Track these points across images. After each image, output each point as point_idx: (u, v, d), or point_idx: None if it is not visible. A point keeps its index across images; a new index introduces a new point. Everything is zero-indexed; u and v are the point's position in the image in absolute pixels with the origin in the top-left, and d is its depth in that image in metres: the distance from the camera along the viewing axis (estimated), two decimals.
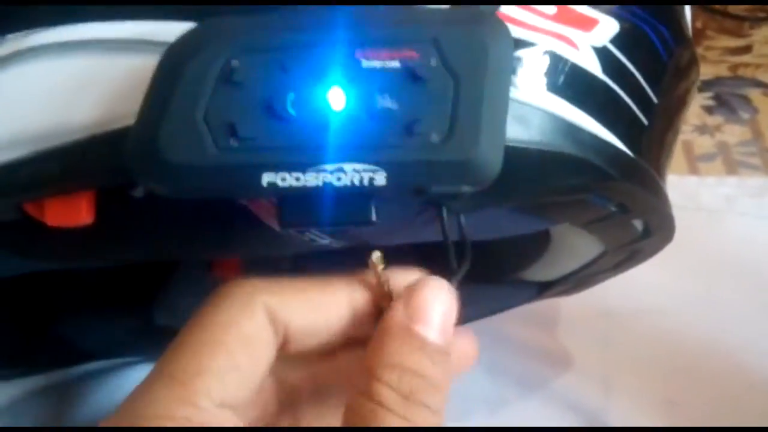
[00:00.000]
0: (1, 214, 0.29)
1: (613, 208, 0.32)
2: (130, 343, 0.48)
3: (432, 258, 0.32)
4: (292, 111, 0.24)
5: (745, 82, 0.85)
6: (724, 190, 0.63)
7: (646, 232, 0.36)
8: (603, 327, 0.53)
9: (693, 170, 0.70)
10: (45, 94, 0.27)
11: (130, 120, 0.25)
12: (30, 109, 0.27)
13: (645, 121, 0.32)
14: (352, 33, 0.24)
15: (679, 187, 0.58)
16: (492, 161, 0.24)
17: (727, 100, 0.81)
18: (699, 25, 0.89)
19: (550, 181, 0.30)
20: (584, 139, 0.29)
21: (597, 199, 0.32)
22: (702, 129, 0.77)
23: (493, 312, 0.49)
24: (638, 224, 0.35)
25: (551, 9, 0.29)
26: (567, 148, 0.29)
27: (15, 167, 0.27)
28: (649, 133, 0.32)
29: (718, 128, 0.78)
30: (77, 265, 0.35)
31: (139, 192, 0.28)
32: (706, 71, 0.86)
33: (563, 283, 0.45)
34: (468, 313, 0.50)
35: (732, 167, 0.71)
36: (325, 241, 0.32)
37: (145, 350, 0.48)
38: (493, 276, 0.45)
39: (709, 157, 0.73)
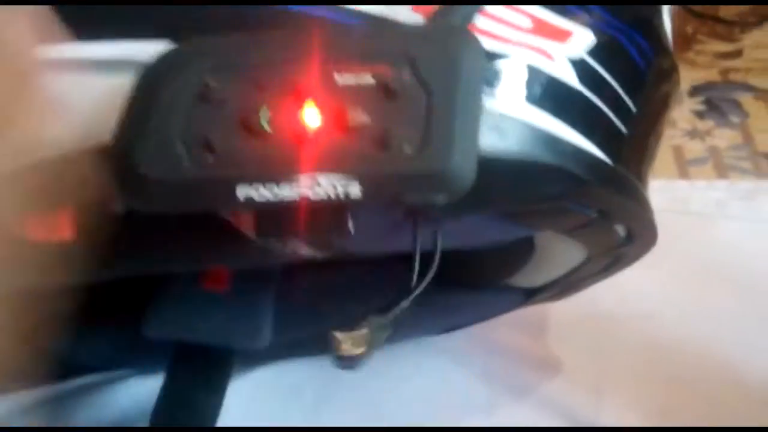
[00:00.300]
0: None
1: (594, 215, 0.33)
2: (120, 357, 0.48)
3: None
4: (266, 127, 0.24)
5: (735, 87, 0.85)
6: (714, 194, 0.63)
7: (629, 238, 0.36)
8: (594, 333, 0.53)
9: (683, 174, 0.71)
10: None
11: (105, 137, 0.26)
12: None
13: (624, 130, 0.32)
14: (325, 49, 0.24)
15: (670, 191, 0.59)
16: (465, 171, 0.25)
17: (717, 104, 0.81)
18: (690, 29, 0.90)
19: (528, 190, 0.30)
20: (562, 148, 0.29)
21: (577, 207, 0.32)
22: (692, 133, 0.78)
23: (481, 319, 0.50)
24: (621, 230, 0.36)
25: (527, 23, 0.29)
26: (544, 157, 0.29)
27: None
28: (628, 141, 0.33)
29: (708, 132, 0.78)
30: (56, 283, 0.35)
31: (119, 207, 0.28)
32: (696, 76, 0.87)
33: (550, 289, 0.45)
34: (456, 321, 0.51)
35: (722, 171, 0.71)
36: (305, 252, 0.32)
37: (135, 364, 0.49)
38: (479, 282, 0.45)
39: (699, 162, 0.74)
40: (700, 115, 0.80)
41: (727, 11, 0.94)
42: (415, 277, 0.30)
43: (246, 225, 0.30)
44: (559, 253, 0.40)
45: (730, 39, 0.91)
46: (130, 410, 0.48)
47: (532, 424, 0.48)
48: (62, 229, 0.29)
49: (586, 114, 0.30)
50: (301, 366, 0.51)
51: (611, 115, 0.31)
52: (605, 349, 0.52)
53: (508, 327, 0.53)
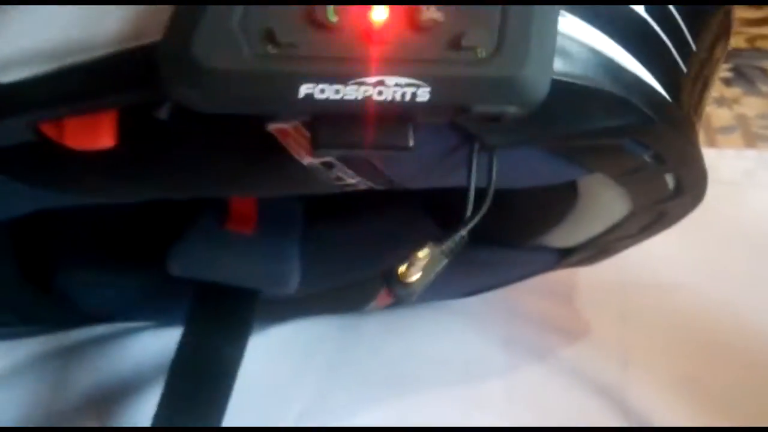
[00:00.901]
0: (18, 136, 0.28)
1: (649, 158, 0.32)
2: (139, 305, 0.47)
3: (448, 206, 0.31)
4: (333, 18, 0.22)
5: (763, 54, 0.84)
6: (742, 163, 0.64)
7: (678, 190, 0.35)
8: (620, 300, 0.52)
9: (711, 143, 0.70)
10: (67, 7, 0.25)
11: (156, 36, 0.24)
12: (52, 23, 0.26)
13: (684, 69, 0.31)
14: None
15: None
16: (539, 81, 0.24)
17: (745, 72, 0.80)
18: None
19: (590, 119, 0.29)
20: (627, 79, 0.28)
21: (634, 146, 0.31)
22: (720, 101, 0.76)
23: (510, 281, 0.49)
24: (670, 181, 0.34)
25: None
26: (609, 86, 0.28)
27: (35, 83, 0.26)
28: (688, 81, 0.32)
29: (736, 100, 0.77)
30: (93, 198, 0.34)
31: (163, 113, 0.27)
32: None
33: (584, 250, 0.44)
34: (485, 281, 0.50)
35: (751, 140, 0.71)
36: (352, 180, 0.31)
37: (154, 314, 0.48)
38: (513, 239, 0.44)
39: (727, 130, 0.73)
40: (727, 82, 0.79)
41: None
42: (470, 206, 0.28)
43: (294, 142, 0.28)
44: (602, 205, 0.38)
45: (757, 5, 0.90)
46: (144, 362, 0.47)
47: (557, 389, 0.47)
48: (104, 135, 0.28)
49: (651, 47, 0.29)
50: (318, 325, 0.50)
51: (674, 51, 0.30)
52: (632, 317, 0.51)
53: (534, 293, 0.52)
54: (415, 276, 0.27)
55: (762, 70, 0.82)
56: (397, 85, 0.23)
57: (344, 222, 0.45)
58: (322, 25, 0.22)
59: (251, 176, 0.32)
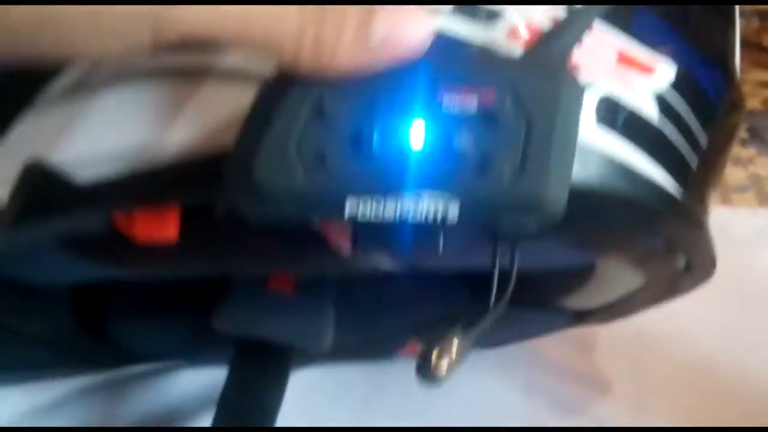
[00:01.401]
0: (93, 226, 0.31)
1: (660, 245, 0.34)
2: (184, 349, 0.50)
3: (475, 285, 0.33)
4: (376, 145, 0.25)
5: None
6: (756, 221, 0.65)
7: (688, 268, 0.37)
8: (636, 350, 0.54)
9: (725, 201, 0.72)
10: (144, 114, 0.29)
11: (221, 145, 0.28)
12: (129, 127, 0.29)
13: (694, 163, 0.33)
14: (434, 74, 0.26)
15: (712, 217, 0.59)
16: (559, 198, 0.26)
17: (760, 133, 0.82)
18: None
19: (604, 219, 0.31)
20: (639, 181, 0.30)
21: (646, 237, 0.34)
22: (735, 161, 0.78)
23: (529, 336, 0.51)
24: (681, 260, 0.37)
25: (613, 54, 0.31)
26: (622, 188, 0.30)
27: (111, 181, 0.29)
28: (697, 174, 0.34)
29: (751, 160, 0.79)
30: (154, 277, 0.37)
31: (219, 212, 0.30)
32: None
33: (601, 313, 0.46)
34: (504, 337, 0.52)
35: (764, 199, 0.72)
36: (386, 265, 0.34)
37: (196, 356, 0.51)
38: (533, 302, 0.46)
39: (741, 189, 0.74)
40: (742, 142, 0.81)
41: None
42: (493, 297, 0.30)
43: (337, 235, 0.31)
44: (617, 278, 0.41)
45: (759, 5, 0.91)
46: (184, 399, 0.50)
47: None
48: (169, 228, 0.31)
49: (663, 147, 0.32)
50: (349, 367, 0.52)
51: (685, 149, 0.33)
52: (647, 367, 0.53)
53: (552, 341, 0.53)
54: (444, 367, 0.29)
55: None
56: (430, 201, 0.25)
57: (376, 281, 0.46)
58: (366, 151, 0.25)
59: (295, 260, 0.35)
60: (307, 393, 0.50)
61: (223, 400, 0.44)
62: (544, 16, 0.29)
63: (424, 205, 0.26)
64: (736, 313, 0.56)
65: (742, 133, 0.80)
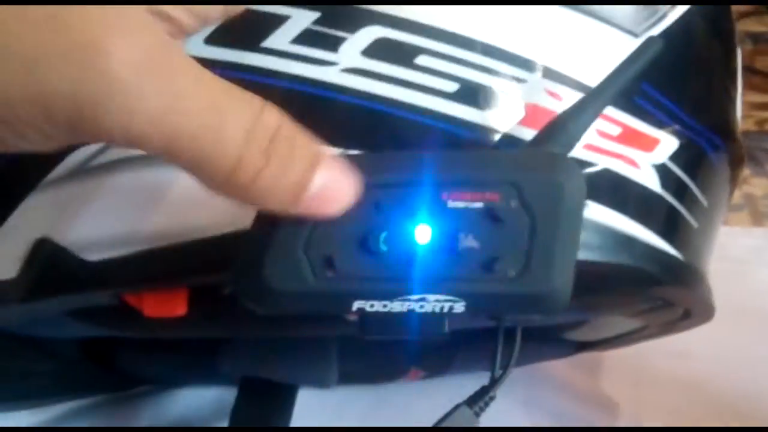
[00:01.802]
0: (102, 301, 0.32)
1: (659, 302, 0.35)
2: (190, 374, 0.51)
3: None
4: (383, 247, 0.26)
5: None
6: (750, 241, 0.66)
7: (686, 315, 0.39)
8: (636, 367, 0.55)
9: None
10: (151, 200, 0.29)
11: (227, 228, 0.28)
12: (137, 213, 0.29)
13: (695, 225, 0.34)
14: (439, 176, 0.26)
15: None
16: (563, 294, 0.26)
17: (753, 153, 0.83)
18: None
19: (604, 288, 0.32)
20: (639, 249, 0.31)
21: (645, 298, 0.35)
22: None
23: (533, 362, 0.52)
24: (680, 310, 0.38)
25: (615, 130, 0.31)
26: (623, 259, 0.31)
27: (120, 263, 0.29)
28: (699, 233, 0.35)
29: (745, 180, 0.79)
30: (162, 338, 0.37)
31: (228, 290, 0.31)
32: None
33: (602, 344, 0.48)
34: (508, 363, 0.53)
35: (758, 219, 0.73)
36: None
37: (203, 381, 0.52)
38: (536, 335, 0.46)
39: (736, 208, 0.75)
40: None
41: (763, 63, 0.95)
42: (497, 370, 0.32)
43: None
44: (617, 322, 0.42)
45: (765, 90, 0.92)
46: (190, 415, 0.51)
47: None
48: (178, 306, 0.32)
49: (664, 215, 0.32)
50: (349, 387, 0.53)
51: (686, 213, 0.33)
52: (645, 382, 0.54)
53: None
54: None
55: None
56: (436, 300, 0.26)
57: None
58: (374, 252, 0.26)
59: (303, 329, 0.36)
60: (310, 409, 0.50)
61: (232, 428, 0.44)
62: (549, 97, 0.30)
63: (430, 305, 0.26)
64: (733, 331, 0.56)
65: None
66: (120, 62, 0.20)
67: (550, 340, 0.48)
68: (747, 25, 1.04)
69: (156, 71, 0.21)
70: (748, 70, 0.95)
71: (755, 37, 1.02)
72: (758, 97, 0.91)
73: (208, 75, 0.22)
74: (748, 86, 0.97)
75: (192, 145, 0.22)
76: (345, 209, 0.25)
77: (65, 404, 0.50)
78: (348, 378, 0.50)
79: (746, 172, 0.81)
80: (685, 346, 0.55)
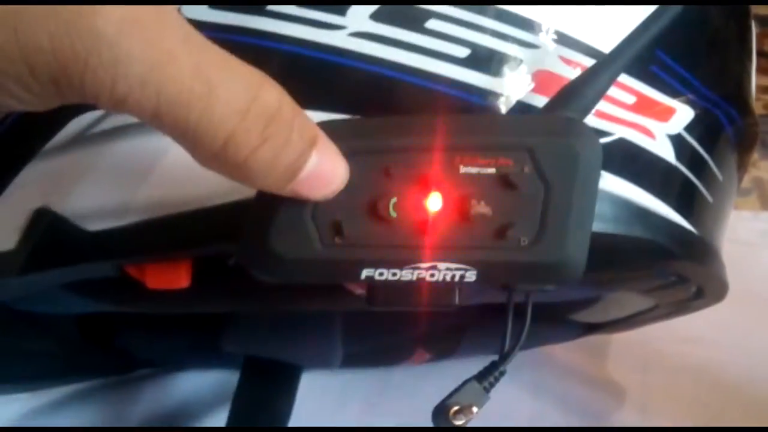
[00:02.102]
0: (103, 273, 0.31)
1: (673, 278, 0.34)
2: (192, 356, 0.50)
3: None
4: (393, 213, 0.25)
5: None
6: (759, 224, 0.66)
7: (699, 293, 0.38)
8: (643, 353, 0.55)
9: None
10: (153, 167, 0.28)
11: (230, 197, 0.27)
12: (138, 181, 0.28)
13: (710, 199, 0.33)
14: (450, 140, 0.25)
15: None
16: (577, 262, 0.26)
17: (762, 137, 0.81)
18: None
19: (619, 262, 0.31)
20: (654, 222, 0.31)
21: (659, 273, 0.34)
22: None
23: (542, 344, 0.52)
24: (693, 287, 0.37)
25: (630, 99, 0.30)
26: (638, 231, 0.30)
27: (122, 233, 0.28)
28: (714, 208, 0.34)
29: (753, 164, 0.79)
30: (164, 314, 0.37)
31: (232, 261, 0.30)
32: None
33: (611, 326, 0.47)
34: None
35: (767, 203, 0.73)
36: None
37: (204, 363, 0.52)
38: (544, 316, 0.46)
39: (744, 192, 0.75)
40: None
41: None
42: (507, 343, 0.31)
43: (353, 286, 0.31)
44: (628, 300, 0.41)
45: (759, 4, 0.91)
46: (191, 399, 0.51)
47: None
48: (181, 278, 0.31)
49: (679, 188, 0.32)
50: (354, 370, 0.53)
51: (701, 187, 0.33)
52: (653, 369, 0.54)
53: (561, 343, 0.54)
54: (460, 421, 0.30)
55: None
56: (447, 269, 0.25)
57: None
58: (383, 219, 0.25)
59: (309, 302, 0.35)
60: (313, 394, 0.50)
61: (233, 411, 0.44)
62: (563, 63, 0.29)
63: (441, 273, 0.26)
64: (740, 315, 0.56)
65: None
66: (106, 20, 0.20)
67: (557, 322, 0.47)
68: (755, 8, 1.03)
69: (143, 31, 0.20)
70: (757, 53, 0.94)
71: (763, 20, 1.01)
72: (767, 81, 0.91)
73: (200, 42, 0.21)
74: (757, 70, 0.96)
75: (178, 112, 0.21)
76: (335, 192, 0.24)
77: (64, 388, 0.50)
78: (352, 360, 0.49)
79: (755, 155, 0.79)
80: (692, 331, 0.55)
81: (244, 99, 0.21)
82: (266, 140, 0.22)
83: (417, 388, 0.51)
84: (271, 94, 0.22)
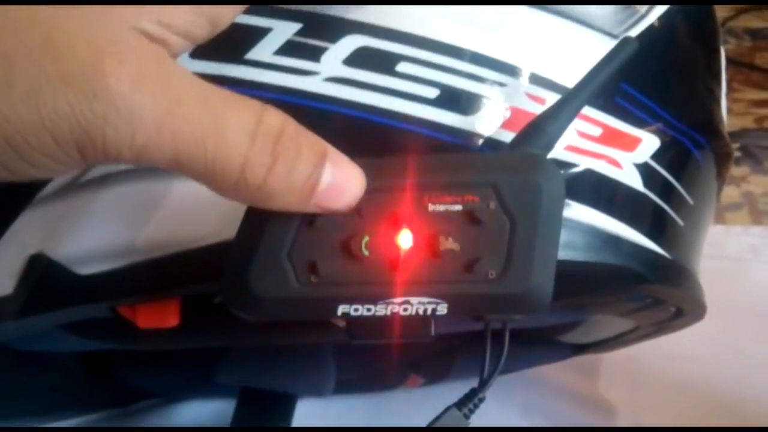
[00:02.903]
0: (97, 314, 0.32)
1: (649, 301, 0.35)
2: (189, 387, 0.51)
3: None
4: (365, 251, 0.26)
5: None
6: (749, 239, 0.66)
7: (678, 314, 0.39)
8: (633, 371, 0.55)
9: (719, 219, 0.72)
10: (141, 211, 0.29)
11: (216, 238, 0.29)
12: (127, 226, 0.30)
13: (681, 223, 0.34)
14: (418, 180, 0.26)
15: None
16: (543, 293, 0.27)
17: (752, 151, 0.83)
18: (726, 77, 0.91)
19: (592, 288, 0.32)
20: (624, 249, 0.32)
21: (634, 297, 0.35)
22: (728, 179, 0.77)
23: (530, 366, 0.52)
24: (671, 309, 0.38)
25: (596, 131, 0.31)
26: (609, 258, 0.31)
27: (112, 276, 0.30)
28: (685, 232, 0.35)
29: (743, 179, 0.80)
30: (157, 351, 0.38)
31: (218, 299, 0.31)
32: (732, 123, 0.84)
33: (596, 347, 0.48)
34: (505, 367, 0.53)
35: (758, 217, 0.73)
36: None
37: (202, 393, 0.52)
38: (531, 339, 0.47)
39: (735, 207, 0.75)
40: (735, 161, 0.80)
41: (762, 59, 0.94)
42: (486, 373, 0.31)
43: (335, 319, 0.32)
44: (609, 322, 0.42)
45: (765, 87, 0.92)
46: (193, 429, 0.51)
47: None
48: (170, 317, 0.32)
49: (648, 214, 0.33)
50: (350, 397, 0.53)
51: (671, 211, 0.34)
52: (643, 386, 0.54)
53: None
54: None
55: None
56: (420, 303, 0.26)
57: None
58: (356, 257, 0.26)
59: (294, 336, 0.36)
60: (311, 420, 0.51)
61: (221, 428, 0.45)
62: (529, 100, 0.30)
63: (413, 307, 0.27)
64: (730, 331, 0.57)
65: (735, 152, 0.81)
66: (117, 79, 0.21)
67: (545, 344, 0.48)
68: (746, 21, 1.04)
69: (152, 83, 0.22)
70: (747, 66, 0.96)
71: (754, 33, 1.02)
72: (757, 94, 0.91)
73: (202, 82, 0.23)
74: (747, 83, 0.97)
75: (196, 149, 0.22)
76: (357, 200, 0.25)
77: (66, 421, 0.50)
78: (347, 387, 0.50)
79: (745, 170, 0.81)
80: (682, 347, 0.55)
81: (251, 123, 0.23)
82: (278, 157, 0.23)
83: (413, 413, 0.51)
84: (274, 115, 0.24)
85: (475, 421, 0.50)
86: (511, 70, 0.30)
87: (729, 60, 0.95)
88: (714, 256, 0.59)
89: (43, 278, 0.30)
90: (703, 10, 0.37)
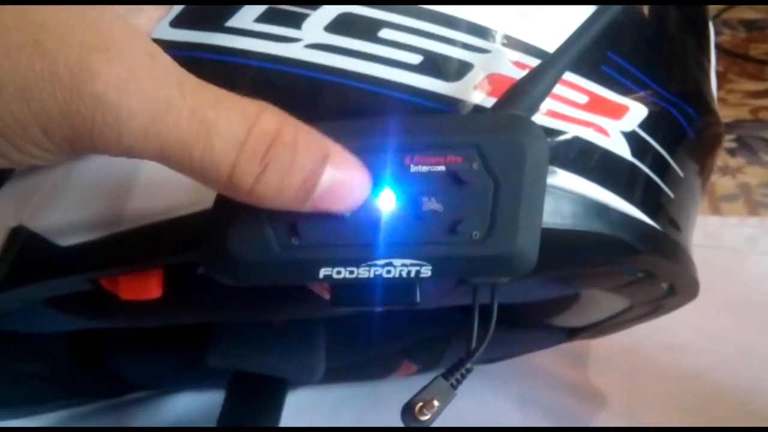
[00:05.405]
0: (78, 287, 0.32)
1: (641, 275, 0.35)
2: (180, 377, 0.51)
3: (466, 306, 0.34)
4: (347, 213, 0.26)
5: (765, 125, 0.86)
6: (746, 230, 0.66)
7: (671, 291, 0.38)
8: (629, 360, 0.55)
9: (715, 210, 0.72)
10: (120, 181, 0.29)
11: (196, 207, 0.28)
12: (107, 196, 0.29)
13: (671, 194, 0.34)
14: (401, 140, 0.26)
15: (702, 227, 0.59)
16: (528, 255, 0.26)
17: (748, 142, 0.83)
18: (721, 68, 0.90)
19: (581, 257, 0.32)
20: (613, 218, 0.31)
21: (626, 270, 0.34)
22: (724, 170, 0.78)
23: (524, 352, 0.52)
24: (664, 285, 0.38)
25: (583, 99, 0.31)
26: (597, 227, 0.31)
27: (92, 247, 0.29)
28: (676, 204, 0.34)
29: (739, 170, 0.79)
30: (142, 327, 0.37)
31: (202, 269, 0.31)
32: (727, 114, 0.87)
33: (591, 329, 0.47)
34: (500, 354, 0.53)
35: (754, 208, 0.73)
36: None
37: (193, 383, 0.52)
38: (524, 321, 0.47)
39: (731, 198, 0.75)
40: (731, 152, 0.81)
41: (757, 50, 0.94)
42: (474, 340, 0.30)
43: (319, 288, 0.32)
44: (602, 301, 0.42)
45: (760, 78, 0.92)
46: (183, 420, 0.51)
47: None
48: (153, 288, 0.32)
49: (637, 183, 0.32)
50: (342, 387, 0.53)
51: (660, 182, 0.33)
52: (640, 377, 0.54)
53: (546, 353, 0.54)
54: (426, 417, 0.29)
55: (764, 140, 0.83)
56: (403, 265, 0.26)
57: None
58: (338, 218, 0.26)
59: (281, 309, 0.35)
60: (305, 410, 0.51)
61: (220, 424, 0.44)
62: (514, 67, 0.30)
63: (397, 269, 0.26)
64: (727, 321, 0.56)
65: (731, 143, 0.82)
66: (105, 83, 0.22)
67: (538, 328, 0.48)
68: (740, 12, 1.04)
69: (140, 87, 0.22)
70: (743, 57, 0.95)
71: (749, 24, 1.02)
72: (752, 85, 0.91)
73: (194, 84, 0.23)
74: (743, 74, 0.97)
75: (183, 153, 0.23)
76: (358, 204, 0.25)
77: (58, 413, 0.50)
78: (339, 374, 0.50)
79: (741, 161, 0.81)
80: (678, 337, 0.56)
81: (241, 130, 0.23)
82: (268, 165, 0.23)
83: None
84: (269, 120, 0.23)
85: (470, 412, 0.51)
86: (494, 36, 0.30)
87: (724, 51, 0.96)
88: (710, 247, 0.59)
89: (24, 250, 0.30)
90: None
